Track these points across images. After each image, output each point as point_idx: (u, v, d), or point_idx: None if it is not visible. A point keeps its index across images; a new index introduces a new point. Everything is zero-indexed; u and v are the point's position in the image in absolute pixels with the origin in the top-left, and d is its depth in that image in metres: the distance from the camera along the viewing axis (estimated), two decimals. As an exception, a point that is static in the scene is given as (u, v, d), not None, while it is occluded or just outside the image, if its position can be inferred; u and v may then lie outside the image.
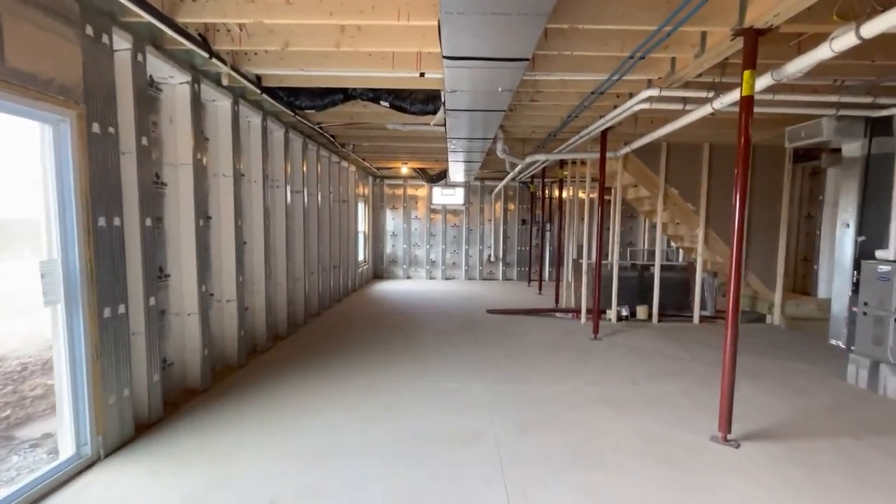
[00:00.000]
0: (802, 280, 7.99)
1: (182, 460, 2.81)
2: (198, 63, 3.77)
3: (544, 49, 3.39)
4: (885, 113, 4.37)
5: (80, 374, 2.68)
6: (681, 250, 9.15)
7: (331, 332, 6.24)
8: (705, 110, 3.91)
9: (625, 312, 7.10)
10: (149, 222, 3.21)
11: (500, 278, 12.34)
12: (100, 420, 2.77)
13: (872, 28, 2.40)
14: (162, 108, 3.68)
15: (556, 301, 8.50)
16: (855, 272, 4.66)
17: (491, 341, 5.78)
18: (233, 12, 2.99)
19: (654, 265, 7.51)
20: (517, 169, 7.88)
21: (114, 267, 2.88)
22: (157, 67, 3.43)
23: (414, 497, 2.48)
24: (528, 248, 12.06)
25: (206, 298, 4.01)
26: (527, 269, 12.01)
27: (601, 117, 5.26)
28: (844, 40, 2.56)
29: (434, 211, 12.33)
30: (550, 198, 11.92)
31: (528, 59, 2.96)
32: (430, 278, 12.35)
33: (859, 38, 2.47)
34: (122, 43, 2.97)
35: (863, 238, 4.72)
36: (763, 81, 3.08)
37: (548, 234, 11.57)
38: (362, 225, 11.33)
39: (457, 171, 8.66)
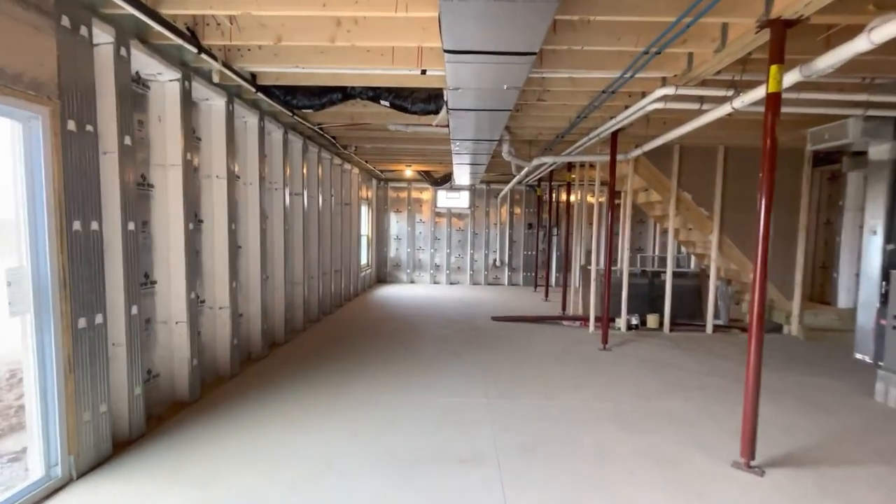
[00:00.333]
0: (821, 288, 7.68)
1: (159, 482, 2.61)
2: (188, 60, 3.60)
3: (552, 43, 3.18)
4: (916, 113, 4.11)
5: (50, 389, 2.49)
6: (692, 256, 8.87)
7: (330, 338, 6.05)
8: (724, 110, 3.67)
9: (635, 321, 6.84)
10: (132, 226, 3.03)
11: (506, 283, 12.10)
12: (72, 439, 2.59)
13: (919, 16, 2.17)
14: (150, 107, 3.51)
15: (564, 308, 8.25)
16: (883, 282, 4.38)
17: (495, 351, 5.55)
18: (219, 4, 2.81)
19: (665, 272, 7.24)
20: (524, 172, 7.66)
21: (91, 274, 2.69)
22: (144, 63, 3.26)
23: (407, 530, 2.26)
24: (534, 253, 11.81)
25: (195, 305, 3.83)
26: (533, 274, 11.76)
27: (611, 118, 5.03)
28: (885, 30, 2.33)
29: (439, 214, 12.13)
30: (558, 201, 11.68)
31: (535, 54, 2.75)
32: (435, 283, 12.13)
33: (903, 27, 2.24)
34: (102, 36, 2.80)
35: (892, 247, 4.44)
36: (791, 77, 2.85)
37: (554, 239, 11.32)
38: (365, 228, 11.15)
39: (461, 174, 8.45)
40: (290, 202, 5.97)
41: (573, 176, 8.41)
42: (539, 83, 4.05)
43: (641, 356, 5.43)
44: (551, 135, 6.14)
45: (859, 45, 2.45)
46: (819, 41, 3.22)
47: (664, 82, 3.93)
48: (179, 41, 3.09)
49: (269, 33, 3.22)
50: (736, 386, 4.43)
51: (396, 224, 12.20)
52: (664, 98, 3.84)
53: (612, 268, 7.03)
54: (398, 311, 8.23)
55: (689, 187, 6.65)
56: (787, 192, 6.61)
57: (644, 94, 4.33)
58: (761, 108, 3.82)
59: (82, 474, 2.64)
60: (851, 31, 2.90)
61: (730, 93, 3.63)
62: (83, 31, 2.63)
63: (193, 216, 3.95)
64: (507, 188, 10.89)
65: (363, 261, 10.86)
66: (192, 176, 3.76)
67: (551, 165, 7.66)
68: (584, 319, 7.00)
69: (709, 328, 6.71)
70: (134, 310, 3.07)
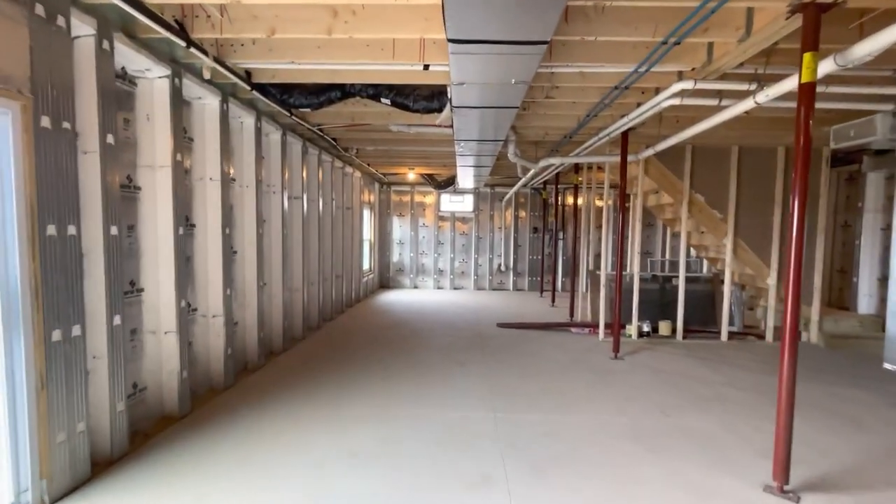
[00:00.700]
0: (839, 293, 7.41)
1: (139, 510, 2.40)
2: (179, 56, 3.42)
3: (564, 34, 2.97)
4: (949, 108, 3.87)
5: (20, 409, 2.29)
6: (704, 261, 8.60)
7: (330, 347, 5.83)
8: (745, 105, 3.44)
9: (646, 328, 6.59)
10: (114, 230, 2.84)
11: (511, 288, 11.86)
12: (45, 461, 2.38)
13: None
14: (137, 105, 3.33)
15: (571, 314, 8.00)
16: (916, 288, 4.12)
17: (501, 360, 5.31)
18: (208, -8, 2.63)
19: (677, 277, 6.98)
20: (530, 174, 7.44)
21: (67, 282, 2.50)
22: (131, 58, 3.08)
23: (409, 567, 2.03)
24: (539, 258, 11.57)
25: (185, 314, 3.63)
26: (539, 278, 11.52)
27: (622, 116, 4.82)
28: (935, 12, 2.10)
29: (442, 218, 11.92)
30: (563, 205, 11.45)
31: (546, 43, 2.55)
32: (438, 288, 11.91)
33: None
34: (83, 28, 2.62)
35: (925, 250, 4.18)
36: (825, 66, 2.62)
37: (560, 243, 11.08)
38: (368, 233, 10.96)
39: (465, 177, 8.25)
40: (288, 206, 5.78)
41: (580, 178, 8.20)
42: (548, 78, 3.85)
43: (655, 366, 5.17)
44: (558, 135, 5.93)
45: (905, 28, 2.22)
46: (851, 29, 2.99)
47: (680, 76, 3.71)
48: (167, 34, 2.91)
49: (262, 25, 3.03)
50: (758, 398, 4.18)
51: (399, 228, 12.00)
52: (682, 93, 3.63)
53: (622, 273, 6.79)
54: (401, 317, 8.01)
55: (701, 189, 6.41)
56: (804, 193, 6.35)
57: (658, 91, 4.11)
58: (786, 103, 3.63)
59: (56, 500, 2.43)
60: (888, 17, 2.69)
61: (752, 86, 3.40)
62: (60, 21, 2.44)
63: (184, 220, 3.77)
64: (511, 191, 10.68)
65: (365, 266, 10.66)
66: (182, 178, 3.57)
67: (558, 167, 7.44)
68: (594, 326, 6.75)
69: (723, 335, 6.44)
70: (117, 320, 2.86)
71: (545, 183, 10.72)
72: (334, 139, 6.55)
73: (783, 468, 2.61)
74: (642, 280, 6.68)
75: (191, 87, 3.68)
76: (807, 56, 2.46)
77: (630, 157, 5.49)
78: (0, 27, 2.16)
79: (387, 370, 4.84)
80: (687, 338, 6.47)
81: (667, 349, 5.95)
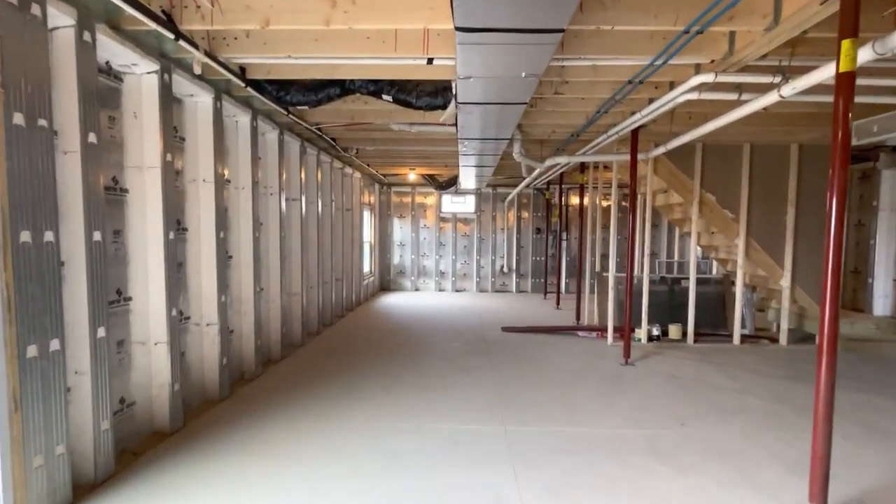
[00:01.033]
0: (853, 294, 7.21)
1: (123, 541, 2.20)
2: (168, 50, 3.23)
3: (578, 23, 2.78)
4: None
5: (-10, 432, 2.09)
6: (713, 262, 8.41)
7: (329, 354, 5.63)
8: (769, 99, 3.25)
9: (656, 332, 6.39)
10: (98, 236, 2.64)
11: (514, 290, 11.66)
12: (19, 488, 2.18)
13: None
14: (124, 102, 3.13)
15: (578, 317, 7.81)
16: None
17: (508, 367, 5.12)
18: (196, -22, 2.43)
19: (686, 278, 6.79)
20: (535, 174, 7.25)
21: (44, 293, 2.30)
22: (116, 52, 2.88)
23: None
24: (543, 259, 11.38)
25: (177, 323, 3.43)
26: (542, 280, 11.32)
27: (633, 113, 4.63)
28: None
29: (444, 219, 11.73)
30: (567, 205, 11.26)
31: (562, 31, 2.36)
32: (440, 290, 11.72)
33: None
34: (61, 18, 2.42)
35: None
36: (864, 55, 2.43)
37: (564, 244, 10.88)
38: (368, 234, 10.77)
39: (468, 178, 8.06)
40: (286, 208, 5.58)
41: (585, 178, 8.01)
42: (558, 73, 3.66)
43: (668, 372, 4.98)
44: (565, 133, 5.74)
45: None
46: (885, 17, 2.80)
47: (698, 70, 3.52)
48: (154, 25, 2.71)
49: (256, 16, 2.84)
50: (779, 407, 3.99)
51: (400, 230, 11.80)
52: (701, 87, 3.43)
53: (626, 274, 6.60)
54: (402, 321, 7.81)
55: (712, 188, 6.22)
56: (817, 191, 6.17)
57: (672, 86, 3.93)
58: (812, 97, 3.45)
59: (32, 530, 2.23)
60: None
61: (777, 79, 3.21)
62: (35, 10, 2.25)
63: (176, 224, 3.58)
64: (514, 192, 10.49)
65: (366, 268, 10.46)
66: (173, 180, 3.38)
67: (565, 166, 7.24)
68: (602, 330, 6.55)
69: (736, 339, 6.24)
70: (101, 332, 2.67)
71: (548, 183, 10.53)
72: (333, 139, 6.36)
73: (822, 488, 2.42)
74: (651, 282, 6.49)
75: (182, 84, 3.49)
76: (845, 43, 2.27)
77: (640, 156, 5.29)
78: (-35, 14, 1.97)
79: (389, 378, 4.64)
80: (698, 341, 6.28)
81: (678, 354, 5.76)
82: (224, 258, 4.11)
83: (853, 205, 7.23)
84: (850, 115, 2.33)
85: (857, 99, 3.72)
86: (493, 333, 6.84)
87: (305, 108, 4.19)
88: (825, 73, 2.69)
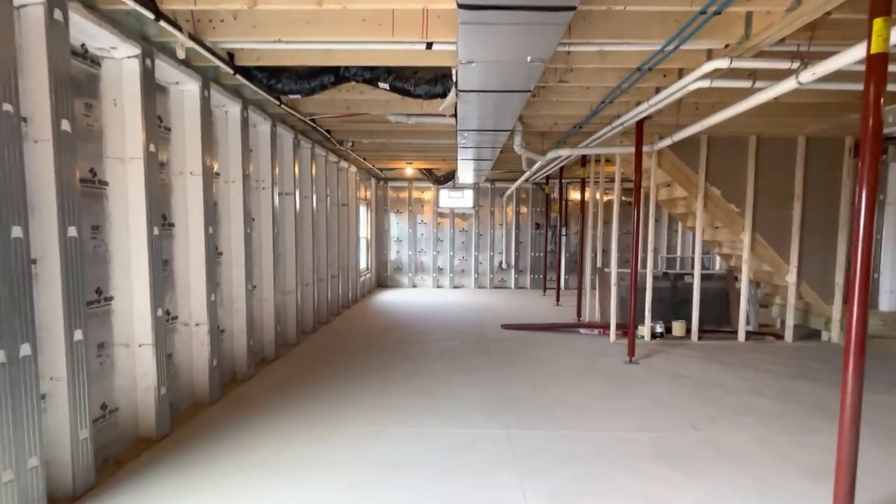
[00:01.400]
0: (857, 290, 7.09)
1: (100, 561, 2.04)
2: (151, 33, 3.03)
3: (588, 3, 2.61)
4: None
5: (-48, 446, 1.92)
6: (716, 257, 8.29)
7: (325, 353, 5.46)
8: (786, 86, 3.09)
9: (659, 329, 6.26)
10: (73, 231, 2.46)
11: (513, 286, 11.52)
12: (-14, 507, 2.01)
13: None
14: (102, 88, 2.94)
15: (579, 314, 7.67)
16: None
17: (509, 366, 4.97)
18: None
19: (689, 274, 6.66)
20: (535, 167, 7.07)
21: (12, 293, 2.12)
22: (92, 33, 2.68)
23: None
24: (542, 255, 11.23)
25: (163, 323, 3.25)
26: (541, 276, 11.18)
27: (638, 104, 4.46)
28: None
29: (441, 215, 11.55)
30: (567, 200, 11.10)
31: (574, 8, 2.18)
32: (438, 286, 11.55)
33: None
34: (29, -6, 2.23)
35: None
36: (896, 35, 2.27)
37: (563, 239, 10.72)
38: (364, 230, 10.58)
39: (466, 172, 7.87)
40: (279, 203, 5.40)
41: (586, 172, 7.85)
42: (563, 59, 3.48)
43: (674, 371, 4.85)
44: (568, 125, 5.57)
45: None
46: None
47: (710, 55, 3.35)
48: (133, 4, 2.52)
49: (243, -5, 2.64)
50: (790, 408, 3.86)
51: (397, 225, 11.62)
52: (714, 73, 3.27)
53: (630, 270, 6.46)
54: (400, 318, 7.65)
55: (717, 182, 6.07)
56: (824, 185, 6.03)
57: (682, 73, 3.76)
58: (829, 85, 3.29)
59: (2, 550, 2.06)
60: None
61: (794, 65, 3.05)
62: (-2, -17, 2.05)
63: (161, 219, 3.39)
64: (513, 187, 10.32)
65: (362, 265, 10.28)
66: (157, 172, 3.19)
67: (566, 158, 7.07)
68: (604, 327, 6.41)
69: (741, 336, 6.12)
70: (78, 334, 2.49)
71: (548, 178, 10.37)
72: (328, 131, 6.16)
73: (847, 497, 2.28)
74: (653, 278, 6.34)
75: (166, 71, 3.29)
76: (877, 22, 2.11)
77: (645, 148, 5.13)
78: (-85, -14, 1.77)
79: (387, 380, 4.48)
80: (702, 339, 6.15)
81: (683, 351, 5.63)
82: (213, 255, 3.93)
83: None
84: (881, 100, 2.17)
85: (860, 87, 3.57)
86: (493, 331, 6.69)
87: (298, 97, 4.00)
88: (852, 55, 2.53)
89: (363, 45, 3.25)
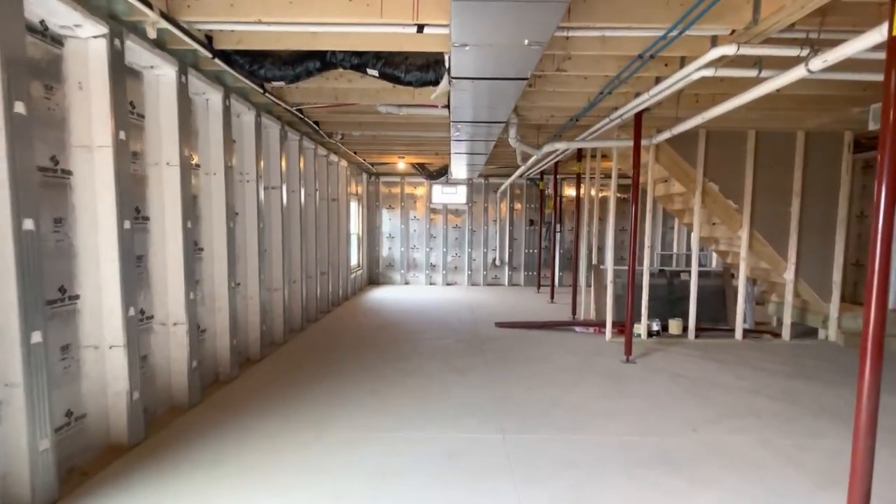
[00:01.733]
0: (853, 287, 7.05)
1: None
2: (120, 11, 2.81)
3: (590, -18, 2.43)
4: None
5: None
6: (712, 254, 8.21)
7: (314, 353, 5.28)
8: (795, 74, 2.96)
9: (655, 327, 6.14)
10: (30, 224, 2.25)
11: (506, 284, 11.38)
12: (-73, 529, 1.81)
13: None
14: (66, 69, 2.71)
15: (574, 312, 7.55)
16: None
17: (504, 366, 4.82)
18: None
19: (686, 271, 6.56)
20: (531, 161, 6.92)
21: (-43, 292, 1.91)
22: (51, 8, 2.45)
23: None
24: (536, 251, 11.09)
25: (136, 323, 3.04)
26: (535, 273, 11.05)
27: (637, 95, 4.32)
28: None
29: (434, 211, 11.36)
30: (562, 196, 10.96)
31: (576, -17, 2.01)
32: (430, 284, 11.38)
33: None
34: (-25, -40, 2.01)
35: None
36: (918, 16, 2.12)
37: (558, 236, 10.59)
38: (356, 226, 10.37)
39: (459, 167, 7.70)
40: (265, 197, 5.18)
41: (582, 167, 7.70)
42: (562, 45, 3.31)
43: (672, 370, 4.73)
44: (564, 118, 5.41)
45: None
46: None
47: (714, 42, 3.20)
48: (95, -23, 2.30)
49: (217, -31, 2.44)
50: (792, 409, 3.75)
51: (389, 221, 11.41)
52: (720, 61, 3.13)
53: (626, 267, 6.34)
54: (391, 316, 7.47)
55: (715, 177, 5.95)
56: (822, 181, 5.94)
57: (684, 61, 3.61)
58: (837, 75, 3.17)
59: (-54, 576, 1.87)
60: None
61: (804, 52, 2.91)
62: (-64, -54, 1.83)
63: (135, 212, 3.18)
64: (507, 182, 10.16)
65: (353, 261, 10.08)
66: (128, 161, 2.98)
67: (563, 153, 6.93)
68: (599, 325, 6.29)
69: (738, 334, 6.03)
70: (36, 336, 2.28)
71: (542, 173, 10.23)
72: (316, 122, 5.95)
73: (861, 509, 2.15)
74: (650, 275, 6.22)
75: (139, 53, 3.07)
76: (902, 1, 1.96)
77: (644, 142, 4.99)
78: None
79: (377, 380, 4.31)
80: (699, 337, 6.05)
81: (680, 350, 5.52)
82: (192, 250, 3.72)
83: (856, 195, 7.04)
84: (902, 86, 2.02)
85: (871, 77, 3.44)
86: (487, 329, 6.54)
87: (282, 84, 3.80)
88: (867, 40, 2.39)
89: (350, 28, 3.05)
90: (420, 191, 11.34)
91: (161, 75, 3.39)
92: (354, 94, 4.67)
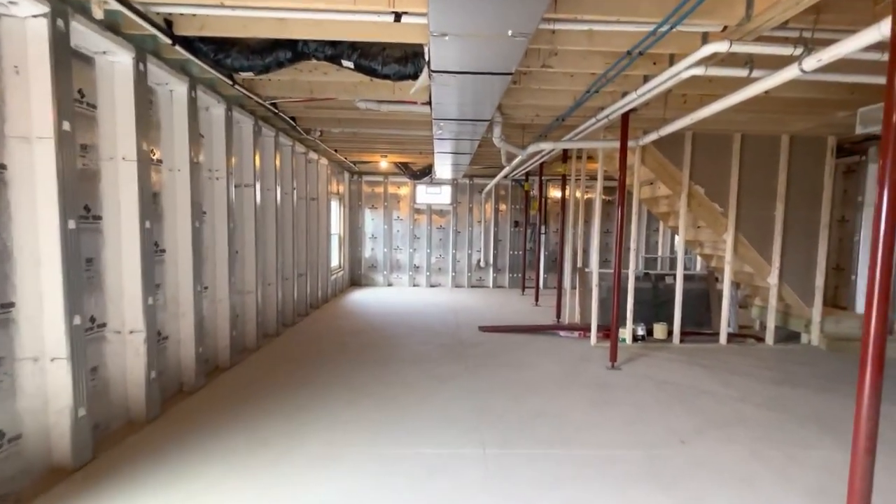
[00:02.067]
0: (834, 291, 7.09)
1: None
2: (65, -12, 2.55)
3: (578, -31, 2.27)
4: None
5: None
6: (696, 257, 8.19)
7: (288, 360, 5.02)
8: (788, 74, 2.85)
9: (641, 331, 6.05)
10: (-51, 224, 1.98)
11: (491, 285, 11.23)
12: None
13: None
14: (0, 52, 2.44)
15: (558, 315, 7.42)
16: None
17: (486, 373, 4.64)
18: None
19: (670, 275, 6.49)
20: (515, 161, 6.78)
21: None
22: (-19, -18, 2.19)
23: None
24: (521, 253, 10.98)
25: (82, 333, 2.77)
26: (520, 275, 10.93)
27: (625, 94, 4.19)
28: None
29: (418, 211, 11.15)
30: (547, 198, 10.87)
31: (564, -35, 1.84)
32: (414, 285, 11.17)
33: None
34: None
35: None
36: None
37: (543, 238, 10.50)
38: (337, 226, 10.09)
39: (444, 167, 7.52)
40: (237, 195, 4.91)
41: (567, 169, 7.59)
42: (548, 39, 3.15)
43: (658, 377, 4.62)
44: (550, 117, 5.26)
45: None
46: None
47: (705, 39, 3.09)
48: (29, -53, 2.05)
49: (170, -58, 2.20)
50: (780, 417, 3.66)
51: (372, 221, 11.16)
52: (711, 58, 3.00)
53: (611, 271, 6.24)
54: (373, 319, 7.24)
55: (700, 180, 5.88)
56: (804, 185, 5.92)
57: (673, 59, 3.49)
58: (829, 76, 3.08)
59: None
60: None
61: (797, 51, 2.80)
62: None
63: (84, 210, 2.92)
64: (492, 183, 10.02)
65: (334, 262, 9.80)
66: (73, 154, 2.71)
67: (548, 153, 6.81)
68: (584, 329, 6.17)
69: (722, 338, 5.98)
70: (-44, 351, 2.02)
71: (527, 174, 10.11)
72: (293, 118, 5.69)
73: (860, 532, 2.04)
74: (635, 279, 6.14)
75: (88, 36, 2.81)
76: (907, -6, 1.85)
77: (630, 143, 4.88)
78: None
79: (354, 391, 4.09)
80: (684, 341, 5.98)
81: (665, 355, 5.43)
82: (153, 252, 3.45)
83: (837, 200, 7.08)
84: (909, 84, 1.91)
85: (863, 79, 3.37)
86: (470, 333, 6.37)
87: (251, 75, 3.55)
88: (864, 39, 2.28)
89: (321, 15, 2.83)
90: (404, 191, 11.12)
91: (115, 62, 3.12)
92: (332, 89, 4.44)
